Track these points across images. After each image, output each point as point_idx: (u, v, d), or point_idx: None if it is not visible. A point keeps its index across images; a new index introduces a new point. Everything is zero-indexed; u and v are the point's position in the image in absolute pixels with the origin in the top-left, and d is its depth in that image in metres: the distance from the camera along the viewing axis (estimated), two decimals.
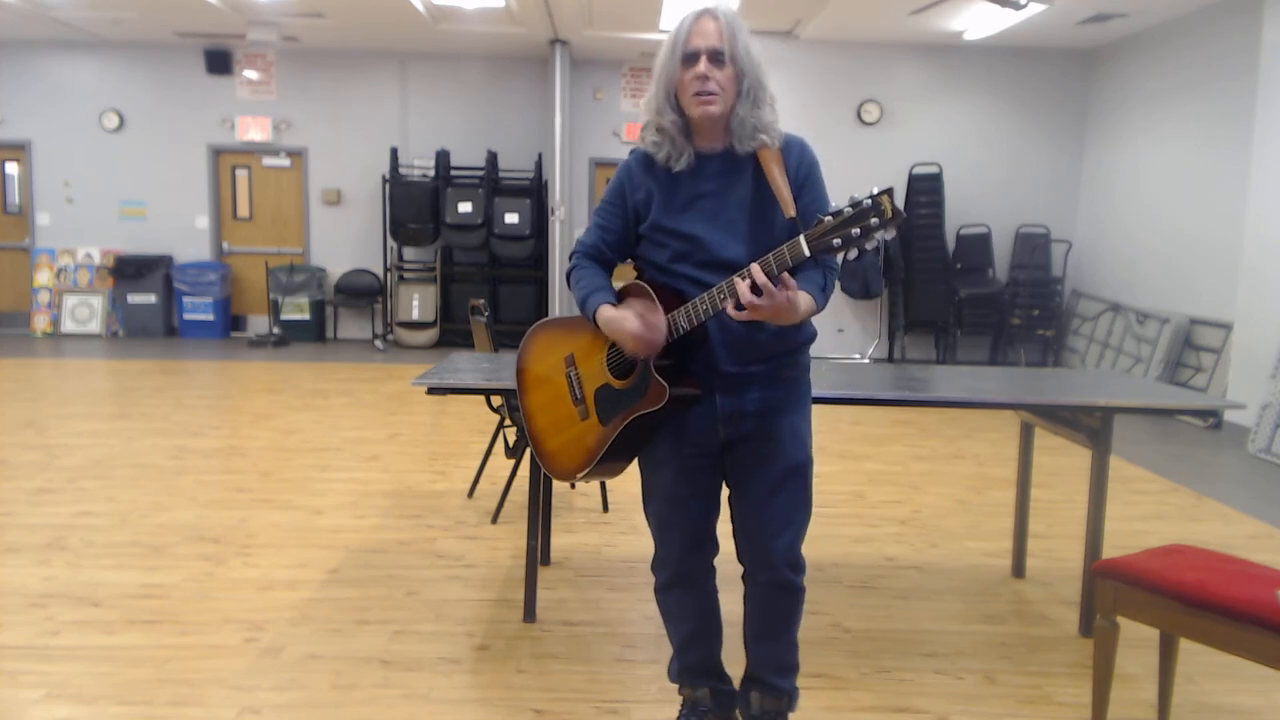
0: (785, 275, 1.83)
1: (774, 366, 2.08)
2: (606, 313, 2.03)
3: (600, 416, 2.10)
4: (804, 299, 1.93)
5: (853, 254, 1.76)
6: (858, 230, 1.73)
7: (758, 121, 2.00)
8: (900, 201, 8.96)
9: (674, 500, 2.15)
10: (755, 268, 1.82)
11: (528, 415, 2.27)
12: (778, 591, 2.17)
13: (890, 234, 1.73)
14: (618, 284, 2.11)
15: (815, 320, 2.09)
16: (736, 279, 1.85)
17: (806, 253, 1.78)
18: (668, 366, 2.02)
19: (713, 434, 2.09)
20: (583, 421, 2.13)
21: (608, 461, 2.13)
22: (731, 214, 2.02)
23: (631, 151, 2.14)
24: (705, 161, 2.04)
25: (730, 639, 2.35)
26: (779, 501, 2.11)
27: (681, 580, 2.22)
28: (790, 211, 1.92)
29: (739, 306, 1.86)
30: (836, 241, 1.75)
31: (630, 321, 1.96)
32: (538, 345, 2.27)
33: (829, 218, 1.76)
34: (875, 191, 1.73)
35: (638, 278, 2.10)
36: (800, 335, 2.10)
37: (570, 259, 2.20)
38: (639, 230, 2.11)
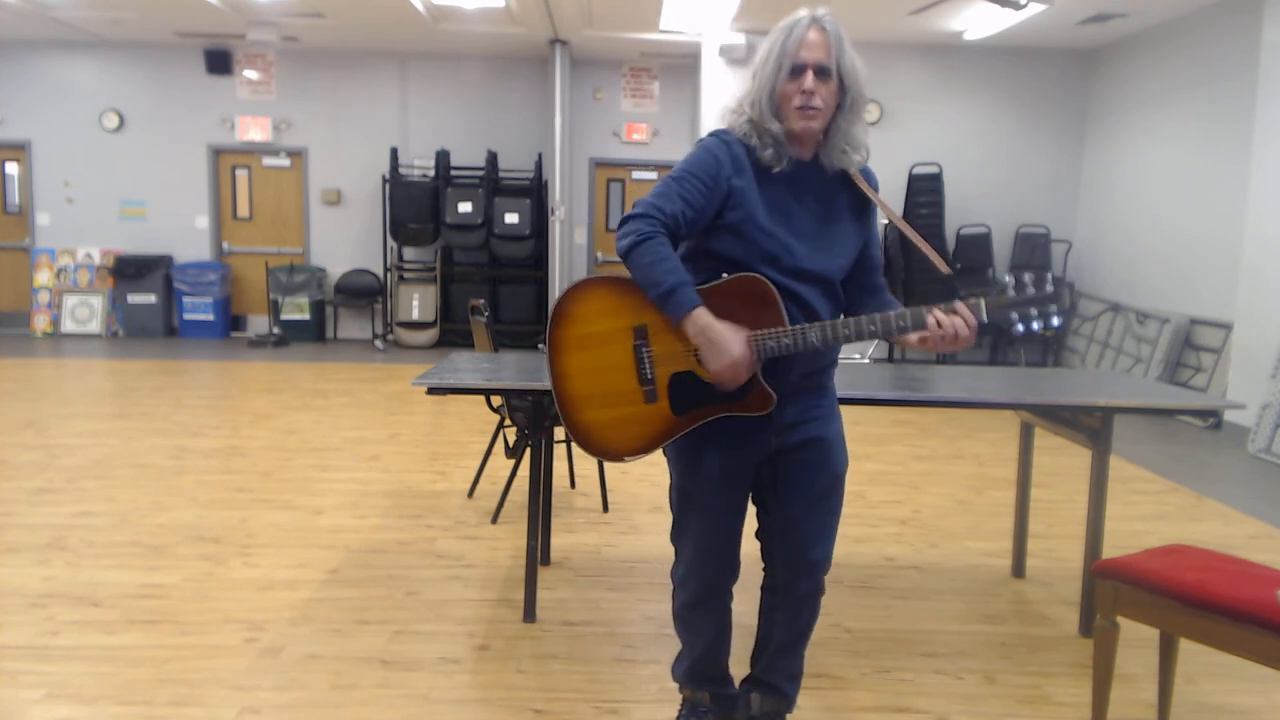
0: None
1: (819, 377, 2.08)
2: (705, 319, 1.89)
3: (674, 405, 2.00)
4: None
5: (1019, 329, 1.89)
6: (1036, 312, 1.87)
7: (850, 137, 1.99)
8: (901, 204, 9.07)
9: (718, 519, 2.10)
10: (965, 309, 1.90)
11: (563, 375, 2.04)
12: (806, 601, 2.17)
13: (1057, 324, 1.88)
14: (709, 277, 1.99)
15: None
16: (937, 310, 1.91)
17: (985, 318, 1.91)
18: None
19: (766, 444, 2.06)
20: (648, 404, 2.01)
21: (660, 447, 2.07)
22: (813, 225, 2.01)
23: (717, 134, 2.01)
24: (797, 168, 2.01)
25: (733, 639, 2.34)
26: (824, 508, 2.12)
27: (709, 598, 2.19)
28: (944, 268, 2.11)
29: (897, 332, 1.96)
30: (1014, 315, 1.89)
31: (737, 348, 1.89)
32: (595, 301, 2.03)
33: (1012, 291, 1.90)
34: (1052, 280, 1.86)
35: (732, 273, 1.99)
36: (841, 347, 2.11)
37: (637, 221, 1.92)
38: (722, 220, 1.96)
